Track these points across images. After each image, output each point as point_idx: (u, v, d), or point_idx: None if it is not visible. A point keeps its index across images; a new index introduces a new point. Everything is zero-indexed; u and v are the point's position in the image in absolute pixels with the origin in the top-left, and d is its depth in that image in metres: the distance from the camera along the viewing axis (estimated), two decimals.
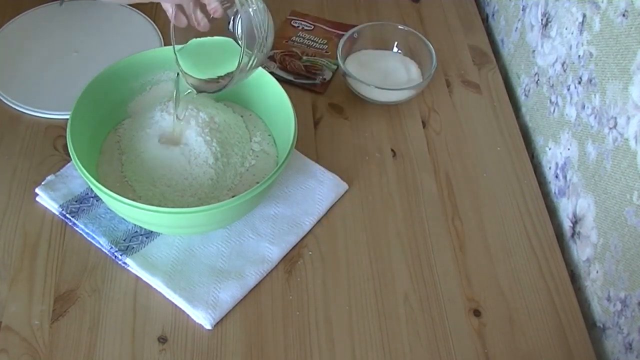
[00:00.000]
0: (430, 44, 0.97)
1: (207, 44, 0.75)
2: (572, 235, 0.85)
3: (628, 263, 0.73)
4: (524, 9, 1.02)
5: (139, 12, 1.05)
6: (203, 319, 0.73)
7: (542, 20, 0.96)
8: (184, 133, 0.79)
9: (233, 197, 0.73)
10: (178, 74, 0.76)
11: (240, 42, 0.72)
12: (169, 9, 0.72)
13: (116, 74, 0.82)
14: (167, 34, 1.02)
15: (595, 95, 0.80)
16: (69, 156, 0.73)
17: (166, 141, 0.79)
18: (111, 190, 0.70)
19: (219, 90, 0.74)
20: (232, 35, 0.74)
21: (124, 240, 0.78)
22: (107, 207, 0.79)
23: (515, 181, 0.90)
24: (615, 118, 0.76)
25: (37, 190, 0.81)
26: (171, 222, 0.73)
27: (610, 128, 0.77)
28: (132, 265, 0.76)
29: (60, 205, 0.80)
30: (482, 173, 0.90)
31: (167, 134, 0.80)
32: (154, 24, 1.03)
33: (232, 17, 0.73)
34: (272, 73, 0.84)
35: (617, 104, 0.75)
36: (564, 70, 0.88)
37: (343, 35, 0.99)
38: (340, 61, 0.95)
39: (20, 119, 0.90)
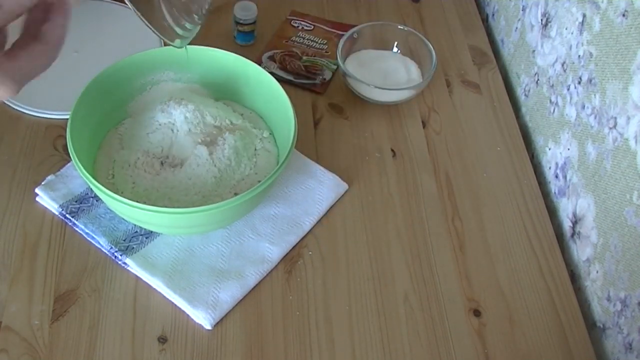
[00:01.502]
0: (430, 44, 0.97)
1: None
2: (572, 235, 0.85)
3: (628, 263, 0.73)
4: (524, 9, 1.02)
5: None
6: (203, 319, 0.73)
7: (542, 20, 0.96)
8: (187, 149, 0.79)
9: (236, 194, 0.73)
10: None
11: None
12: None
13: (116, 74, 0.82)
14: None
15: (595, 95, 0.80)
16: (69, 156, 0.73)
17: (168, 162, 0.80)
18: (110, 189, 0.70)
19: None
20: None
21: (124, 240, 0.78)
22: (107, 207, 0.79)
23: (515, 181, 0.90)
24: (615, 118, 0.76)
25: (37, 190, 0.81)
26: (171, 222, 0.73)
27: (610, 128, 0.77)
28: (132, 265, 0.76)
29: (60, 205, 0.80)
30: (482, 173, 0.90)
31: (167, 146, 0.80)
32: None
33: None
34: (272, 73, 0.84)
35: (617, 104, 0.75)
36: (564, 70, 0.88)
37: (343, 35, 0.99)
38: (340, 61, 0.95)
39: (20, 119, 0.90)
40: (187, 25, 0.70)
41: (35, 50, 0.52)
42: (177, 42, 0.72)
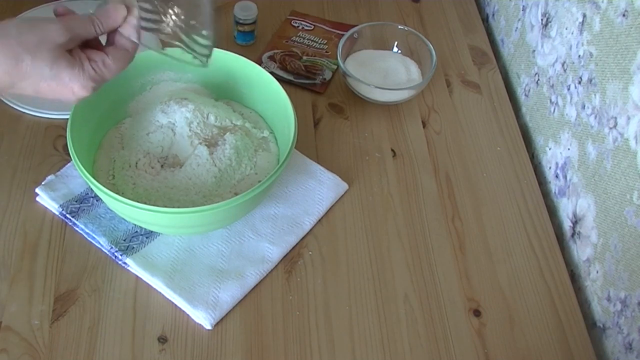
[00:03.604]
0: (430, 44, 0.97)
1: None
2: (572, 235, 0.85)
3: (628, 263, 0.73)
4: (524, 9, 1.02)
5: None
6: (203, 319, 0.73)
7: (542, 20, 0.96)
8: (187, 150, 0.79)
9: (236, 194, 0.72)
10: None
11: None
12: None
13: None
14: None
15: (595, 95, 0.80)
16: (69, 156, 0.73)
17: (167, 163, 0.80)
18: (110, 190, 0.70)
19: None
20: None
21: (124, 240, 0.78)
22: (107, 207, 0.79)
23: (515, 181, 0.90)
24: (615, 118, 0.76)
25: (37, 190, 0.81)
26: (171, 222, 0.73)
27: (610, 128, 0.77)
28: (132, 265, 0.76)
29: (60, 205, 0.80)
30: (482, 173, 0.90)
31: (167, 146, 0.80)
32: None
33: None
34: (272, 73, 0.84)
35: (617, 104, 0.75)
36: (564, 70, 0.88)
37: (343, 35, 0.99)
38: (340, 61, 0.95)
39: (20, 119, 0.90)
40: (201, 41, 0.70)
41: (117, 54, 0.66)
42: (206, 58, 0.72)
